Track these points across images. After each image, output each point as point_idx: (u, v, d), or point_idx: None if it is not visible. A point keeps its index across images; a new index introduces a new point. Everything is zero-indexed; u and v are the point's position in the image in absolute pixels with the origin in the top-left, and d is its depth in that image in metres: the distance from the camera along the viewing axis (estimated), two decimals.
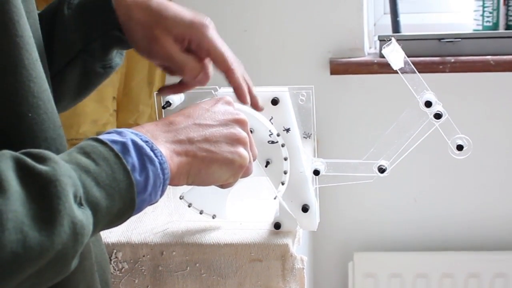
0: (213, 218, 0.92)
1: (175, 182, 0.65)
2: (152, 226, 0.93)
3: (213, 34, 0.78)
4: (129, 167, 0.57)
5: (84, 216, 0.52)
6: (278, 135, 0.84)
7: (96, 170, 0.55)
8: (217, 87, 0.84)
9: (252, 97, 0.80)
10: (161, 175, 0.60)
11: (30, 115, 0.58)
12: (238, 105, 0.80)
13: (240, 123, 0.71)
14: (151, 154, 0.60)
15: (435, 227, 1.65)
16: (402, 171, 1.51)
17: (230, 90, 0.85)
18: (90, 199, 0.54)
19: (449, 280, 1.61)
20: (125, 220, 0.59)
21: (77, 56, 0.79)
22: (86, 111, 1.40)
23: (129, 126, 1.45)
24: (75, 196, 0.52)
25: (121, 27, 0.77)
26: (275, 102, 0.83)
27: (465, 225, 1.64)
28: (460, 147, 0.84)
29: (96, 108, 1.42)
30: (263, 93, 0.84)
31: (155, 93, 0.88)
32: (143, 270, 0.89)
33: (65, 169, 0.53)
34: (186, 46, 0.78)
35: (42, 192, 0.50)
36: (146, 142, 0.60)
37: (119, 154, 0.57)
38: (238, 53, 1.63)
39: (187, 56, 0.78)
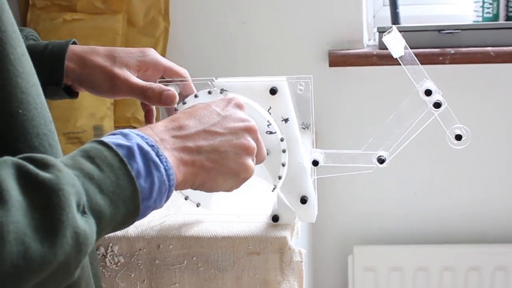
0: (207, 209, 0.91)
1: (179, 189, 0.66)
2: (148, 219, 0.92)
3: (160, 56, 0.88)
4: (133, 173, 0.56)
5: (87, 225, 0.51)
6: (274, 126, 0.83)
7: (100, 177, 0.54)
8: (213, 78, 0.83)
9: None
10: (166, 182, 0.60)
11: (20, 111, 0.57)
12: (239, 96, 0.78)
13: (250, 131, 0.71)
14: (157, 160, 0.59)
15: (435, 220, 1.64)
16: (402, 164, 1.51)
17: (226, 80, 0.84)
18: (93, 207, 0.53)
19: (449, 273, 1.60)
20: (128, 226, 0.59)
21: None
22: (83, 105, 1.39)
23: (127, 119, 1.46)
24: (78, 205, 0.51)
25: (61, 82, 0.84)
26: (273, 91, 0.82)
27: (466, 218, 1.63)
28: (458, 137, 0.83)
29: (93, 102, 1.40)
30: (261, 83, 0.82)
31: None
32: (139, 264, 0.88)
33: (69, 177, 0.51)
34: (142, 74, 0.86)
35: (44, 201, 0.49)
36: (152, 146, 0.59)
37: (124, 159, 0.56)
38: (237, 46, 1.63)
39: (147, 82, 0.84)
